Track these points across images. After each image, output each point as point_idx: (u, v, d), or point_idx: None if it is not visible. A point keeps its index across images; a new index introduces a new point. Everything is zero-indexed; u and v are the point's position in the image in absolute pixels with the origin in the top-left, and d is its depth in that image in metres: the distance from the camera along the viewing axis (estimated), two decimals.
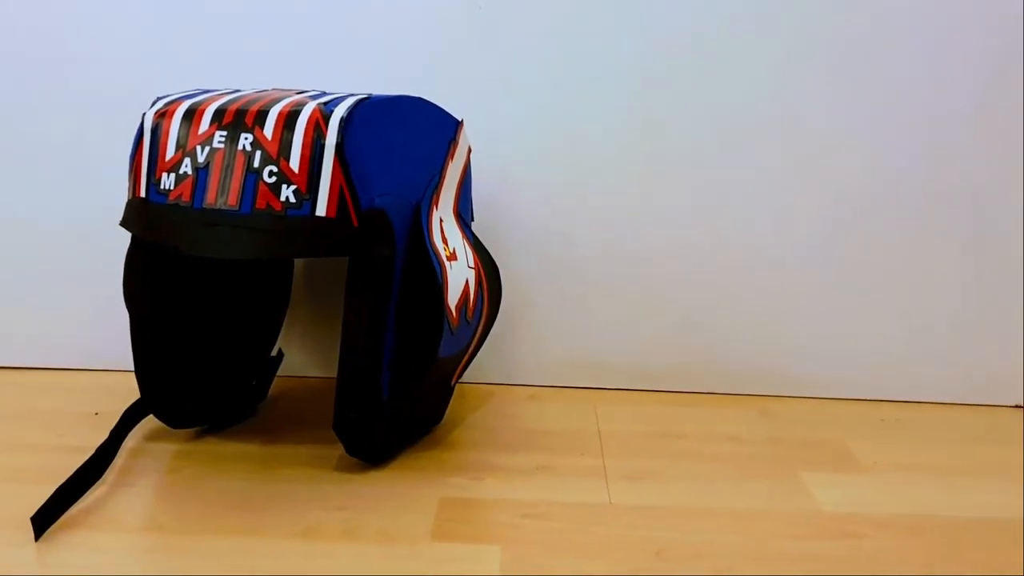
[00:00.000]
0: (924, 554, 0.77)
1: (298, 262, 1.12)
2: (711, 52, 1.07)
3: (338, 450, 0.91)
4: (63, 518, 0.78)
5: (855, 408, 1.11)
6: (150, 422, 0.94)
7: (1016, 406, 1.13)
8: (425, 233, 0.86)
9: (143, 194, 0.84)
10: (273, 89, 0.89)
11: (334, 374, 1.12)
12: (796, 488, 0.88)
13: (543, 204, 1.11)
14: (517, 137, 1.10)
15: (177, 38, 1.09)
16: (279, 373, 1.10)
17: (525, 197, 1.11)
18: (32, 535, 0.75)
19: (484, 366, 1.14)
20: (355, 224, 0.80)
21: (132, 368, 0.91)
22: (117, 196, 1.05)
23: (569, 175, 1.10)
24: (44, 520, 0.76)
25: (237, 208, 0.79)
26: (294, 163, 0.79)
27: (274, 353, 1.09)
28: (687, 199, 1.10)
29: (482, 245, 0.99)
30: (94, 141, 1.11)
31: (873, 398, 1.13)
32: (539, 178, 1.10)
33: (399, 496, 0.84)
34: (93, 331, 1.15)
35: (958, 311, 1.11)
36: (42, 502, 0.77)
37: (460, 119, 0.96)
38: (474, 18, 1.07)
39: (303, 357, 1.16)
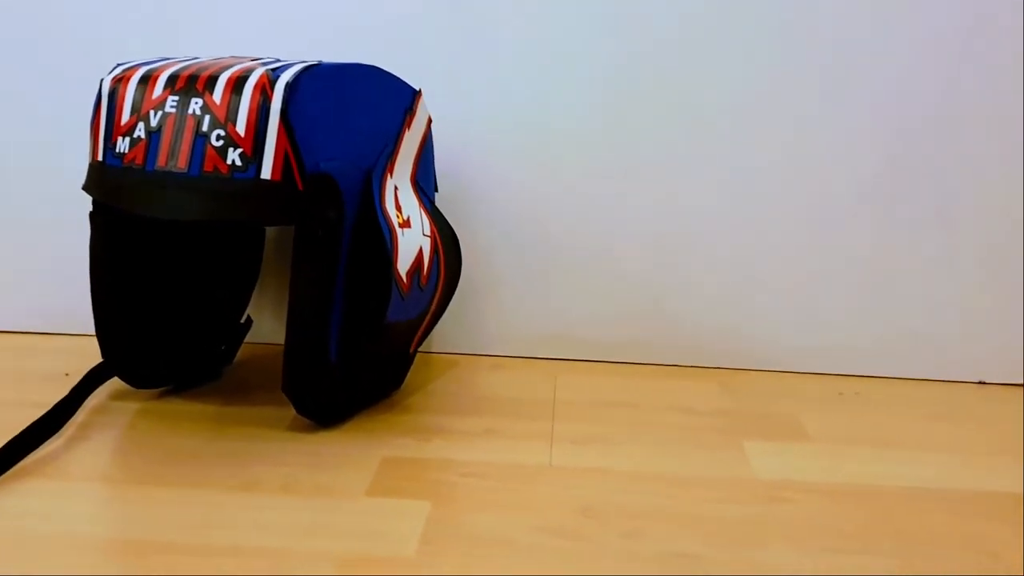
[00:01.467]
0: (846, 520, 0.77)
1: (269, 232, 1.15)
2: (689, 35, 1.07)
3: (292, 412, 0.93)
4: (15, 468, 0.81)
5: (816, 382, 1.12)
6: (120, 382, 0.97)
7: (979, 382, 1.13)
8: (376, 199, 0.88)
9: (100, 158, 0.87)
10: (229, 57, 0.91)
11: None
12: (736, 457, 0.89)
13: (511, 177, 1.12)
14: (485, 108, 1.11)
15: (147, 11, 1.12)
16: (248, 339, 1.12)
17: (493, 169, 1.12)
18: None
19: (450, 336, 1.16)
20: (300, 188, 0.82)
21: None
22: (87, 159, 1.07)
23: (538, 149, 1.12)
24: None
25: (186, 171, 0.82)
26: (240, 127, 0.81)
27: (243, 320, 1.11)
28: (654, 177, 1.11)
29: (441, 215, 1.01)
30: (59, 103, 1.14)
31: (835, 372, 1.14)
32: (507, 150, 1.12)
33: (343, 455, 0.86)
34: (71, 294, 1.18)
35: (922, 287, 1.11)
36: None
37: (418, 88, 0.98)
38: None
39: (273, 324, 1.18)
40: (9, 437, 0.83)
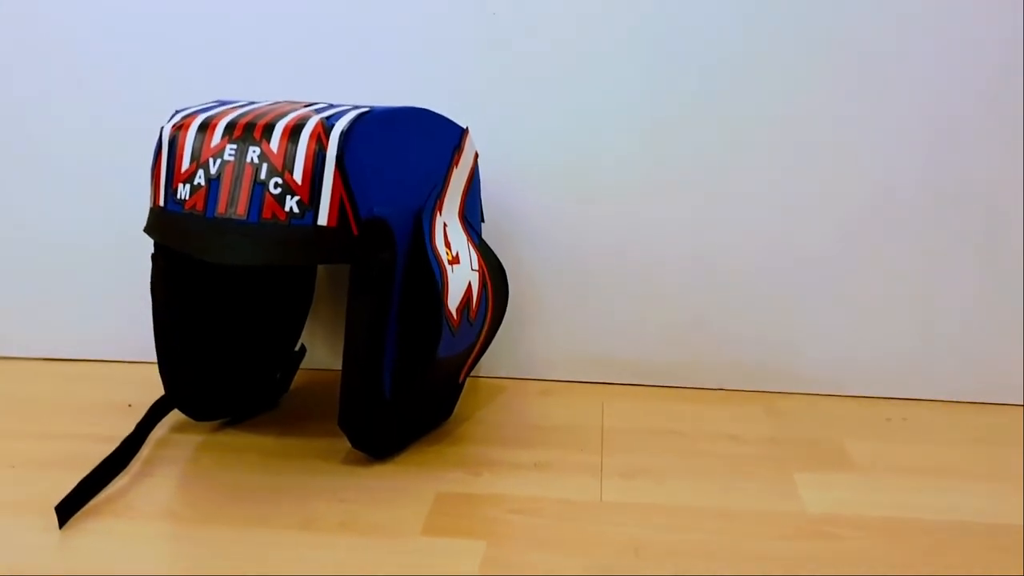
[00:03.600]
0: (898, 556, 0.79)
1: None
2: (722, 57, 1.08)
3: (348, 444, 0.96)
4: (87, 506, 0.85)
5: (861, 406, 1.12)
6: (179, 413, 1.01)
7: None
8: (426, 239, 0.90)
9: (162, 203, 0.90)
10: (285, 102, 0.94)
11: None
12: (786, 489, 0.90)
13: (554, 204, 1.14)
14: (528, 140, 1.13)
15: (197, 49, 1.15)
16: (303, 366, 1.15)
17: (536, 197, 1.14)
18: (56, 522, 0.81)
19: (497, 361, 1.18)
20: (355, 232, 0.85)
21: None
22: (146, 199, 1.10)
23: (579, 174, 1.13)
24: (68, 509, 0.83)
25: (245, 217, 0.84)
26: (297, 175, 0.84)
27: (297, 348, 1.14)
28: (696, 199, 1.12)
29: (488, 248, 1.03)
30: (132, 145, 1.17)
31: (880, 395, 1.15)
32: (550, 179, 1.13)
33: (398, 490, 0.89)
34: (132, 324, 1.22)
35: (967, 309, 1.11)
36: (67, 489, 0.84)
37: (465, 127, 1.00)
38: (486, 25, 1.10)
39: (326, 351, 1.21)
40: (77, 470, 0.86)
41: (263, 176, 0.85)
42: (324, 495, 0.88)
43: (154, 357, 0.96)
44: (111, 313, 1.23)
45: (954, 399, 1.14)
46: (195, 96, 1.11)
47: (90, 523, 0.82)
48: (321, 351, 1.21)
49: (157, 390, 0.99)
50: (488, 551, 0.78)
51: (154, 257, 0.95)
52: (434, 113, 0.95)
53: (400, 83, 1.13)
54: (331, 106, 0.91)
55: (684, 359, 1.16)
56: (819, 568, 0.77)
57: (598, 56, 1.10)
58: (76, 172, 1.20)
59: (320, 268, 1.18)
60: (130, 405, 1.08)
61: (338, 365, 1.21)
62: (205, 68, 1.15)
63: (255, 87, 1.14)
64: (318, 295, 1.17)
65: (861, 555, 0.79)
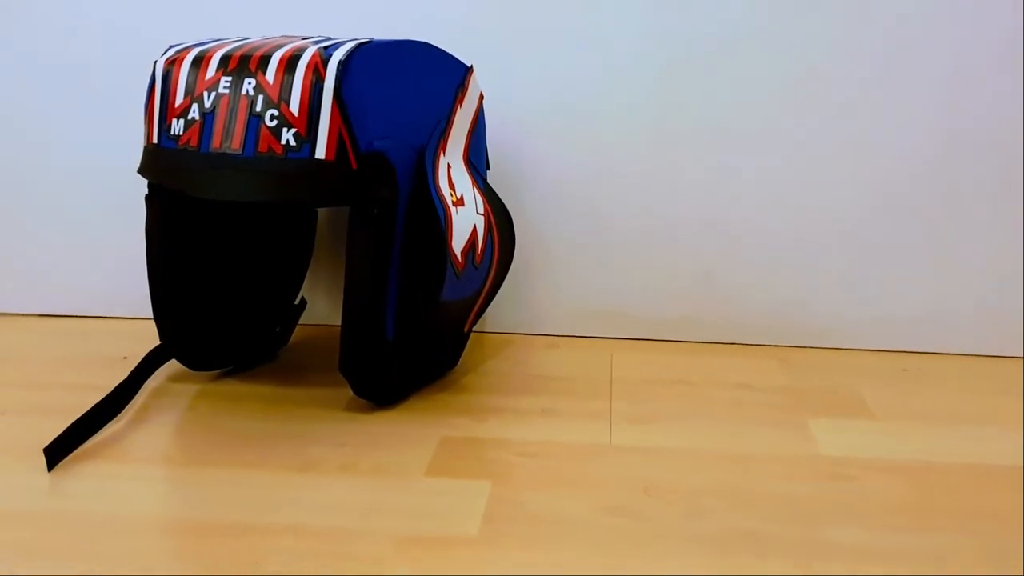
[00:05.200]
0: (913, 497, 0.76)
1: (322, 212, 1.15)
2: (745, 8, 1.06)
3: (350, 392, 0.93)
4: (78, 451, 0.82)
5: (879, 359, 1.09)
6: (177, 364, 0.98)
7: None
8: (429, 177, 0.87)
9: (155, 140, 0.87)
10: (280, 36, 0.91)
11: None
12: (800, 434, 0.88)
13: (563, 154, 1.11)
14: (537, 85, 1.10)
15: None
16: (303, 321, 1.12)
17: (545, 147, 1.11)
18: (46, 465, 0.79)
19: (503, 315, 1.15)
20: (354, 167, 0.82)
21: None
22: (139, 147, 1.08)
23: (590, 125, 1.10)
24: (57, 452, 0.80)
25: (240, 151, 0.81)
26: (294, 106, 0.81)
27: (297, 301, 1.12)
28: (709, 152, 1.09)
29: (494, 193, 1.00)
30: (118, 91, 1.15)
31: (898, 349, 1.11)
32: (559, 127, 1.10)
33: (400, 435, 0.86)
34: (126, 278, 1.19)
35: (987, 262, 1.08)
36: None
37: (469, 65, 0.97)
38: None
39: (326, 305, 1.19)
40: (70, 417, 0.84)
41: (259, 108, 0.82)
42: (324, 440, 0.85)
43: (150, 313, 0.93)
44: (105, 268, 1.20)
45: (972, 352, 1.11)
46: (187, 36, 1.08)
47: (82, 466, 0.80)
48: (321, 305, 1.18)
49: (153, 344, 0.96)
50: (494, 490, 0.76)
51: (148, 198, 0.92)
52: (436, 48, 0.92)
53: (399, 20, 1.10)
54: (329, 39, 0.88)
55: (695, 313, 1.13)
56: (835, 507, 0.74)
57: (615, 1, 1.07)
58: (65, 122, 1.17)
59: (321, 220, 1.15)
60: (125, 358, 1.06)
61: (338, 320, 1.18)
62: (198, 7, 1.12)
63: (249, 26, 1.11)
64: (318, 248, 1.14)
65: (876, 495, 0.76)
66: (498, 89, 1.08)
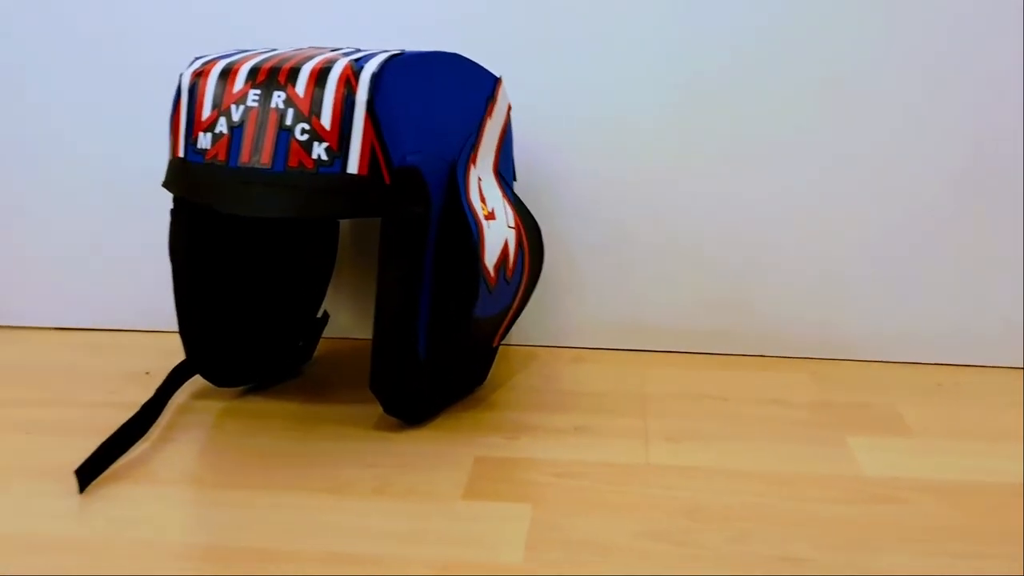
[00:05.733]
0: (962, 519, 0.74)
1: (344, 224, 1.13)
2: (769, 16, 1.03)
3: (377, 410, 0.92)
4: (106, 472, 0.80)
5: (911, 372, 1.07)
6: (199, 381, 0.96)
7: None
8: (461, 191, 0.85)
9: (181, 154, 0.85)
10: (308, 47, 0.89)
11: None
12: (840, 452, 0.86)
13: (589, 165, 1.09)
14: (563, 96, 1.08)
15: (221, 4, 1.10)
16: (325, 334, 1.11)
17: (570, 157, 1.09)
18: (76, 487, 0.77)
19: (528, 328, 1.14)
20: (387, 182, 0.80)
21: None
22: (166, 156, 1.06)
23: (616, 136, 1.08)
24: (88, 474, 0.78)
25: (270, 166, 0.80)
26: (325, 120, 0.79)
27: (320, 315, 1.10)
28: (735, 161, 1.07)
29: (524, 205, 0.98)
30: (152, 102, 1.13)
31: (930, 362, 1.10)
32: (585, 139, 1.09)
33: (433, 455, 0.84)
34: (149, 292, 1.17)
35: (1018, 274, 1.06)
36: (86, 455, 0.79)
37: (498, 76, 0.95)
38: None
39: (349, 318, 1.17)
40: (97, 438, 0.82)
41: (289, 122, 0.80)
42: (355, 460, 0.83)
43: (169, 327, 0.92)
44: (125, 282, 1.19)
45: (1005, 365, 1.09)
46: (210, 47, 1.07)
47: (111, 488, 0.78)
48: (343, 318, 1.17)
49: (175, 359, 0.95)
50: (534, 514, 0.74)
51: (174, 212, 0.91)
52: (467, 59, 0.91)
53: (427, 34, 1.08)
54: (358, 50, 0.86)
55: (723, 326, 1.12)
56: (885, 532, 0.72)
57: (638, 9, 1.05)
58: (88, 135, 1.15)
59: (343, 230, 1.13)
60: (147, 373, 1.04)
61: (361, 333, 1.17)
62: (222, 18, 1.11)
63: (273, 39, 1.09)
64: (340, 260, 1.13)
65: (924, 518, 0.74)
66: (524, 100, 1.07)
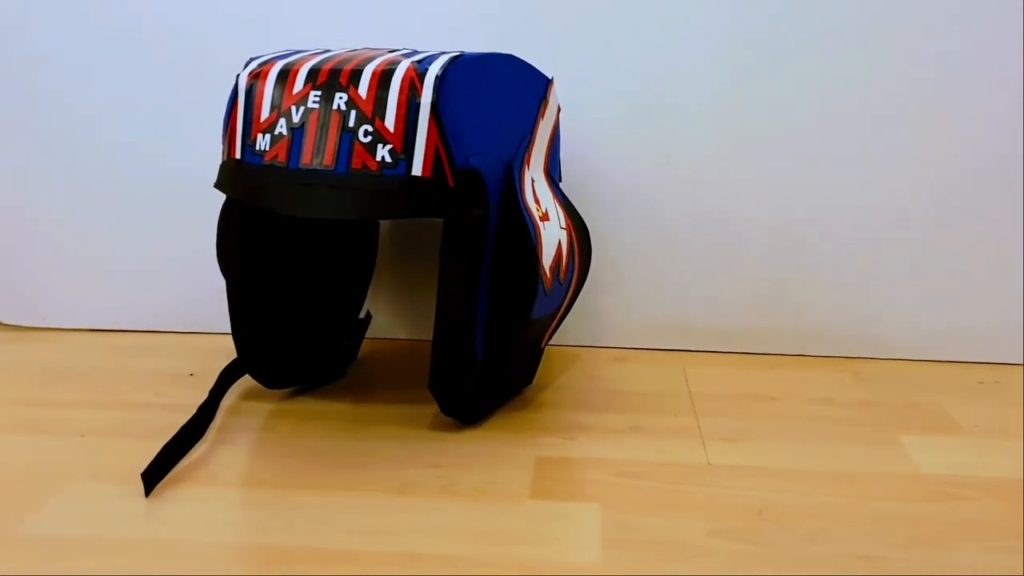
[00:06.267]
0: None
1: (383, 224, 1.13)
2: (808, 11, 1.04)
3: (430, 409, 0.92)
4: (170, 475, 0.80)
5: (950, 370, 1.08)
6: (244, 382, 0.96)
7: None
8: (518, 193, 0.86)
9: (238, 155, 0.85)
10: (364, 48, 0.89)
11: (421, 336, 1.15)
12: (896, 451, 0.86)
13: (631, 164, 1.10)
14: (606, 96, 1.08)
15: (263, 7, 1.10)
16: (366, 335, 1.10)
17: (613, 157, 1.10)
18: (142, 490, 0.77)
19: (569, 328, 1.14)
20: (450, 184, 0.80)
21: (221, 331, 0.92)
22: (207, 158, 1.06)
23: (658, 135, 1.09)
24: (153, 477, 0.78)
25: (333, 168, 0.80)
26: (389, 122, 0.79)
27: (362, 315, 1.10)
28: (778, 160, 1.08)
29: (572, 205, 0.98)
30: (189, 103, 1.13)
31: (969, 360, 1.10)
32: (627, 138, 1.09)
33: (493, 454, 0.84)
34: (183, 294, 1.17)
35: None
36: (147, 457, 0.79)
37: (550, 77, 0.95)
38: None
39: (389, 318, 1.17)
40: (151, 439, 0.82)
41: (351, 124, 0.80)
42: (416, 460, 0.83)
43: (205, 328, 0.91)
44: (163, 283, 1.18)
45: None
46: (252, 50, 1.06)
47: (176, 491, 0.78)
48: (384, 318, 1.17)
49: (216, 360, 0.95)
50: (604, 514, 0.74)
51: (225, 214, 0.90)
52: (521, 61, 0.91)
53: (476, 34, 1.08)
54: (415, 51, 0.87)
55: (764, 325, 1.12)
56: (954, 529, 0.72)
57: (681, 9, 1.05)
58: (130, 135, 1.15)
59: (382, 230, 1.13)
60: (192, 374, 1.04)
61: (401, 333, 1.17)
62: (272, 22, 1.10)
63: (320, 39, 1.09)
64: (379, 259, 1.12)
65: (988, 515, 0.75)
66: (565, 98, 1.07)
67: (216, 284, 0.93)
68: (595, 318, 1.14)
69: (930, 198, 1.07)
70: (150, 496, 0.76)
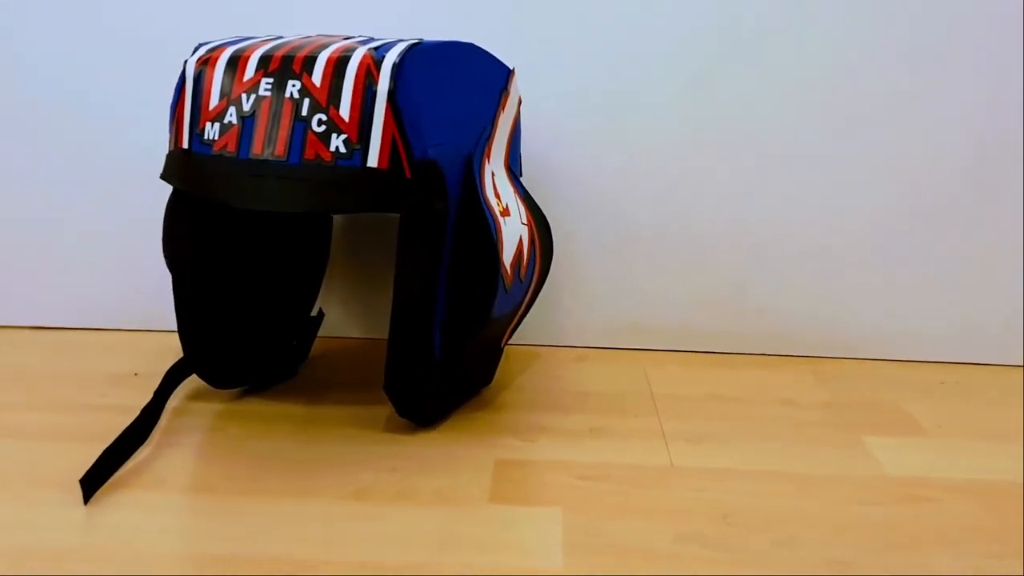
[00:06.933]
0: (994, 520, 0.73)
1: (337, 218, 1.10)
2: (776, 8, 1.02)
3: (385, 411, 0.89)
4: (112, 479, 0.76)
5: (911, 370, 1.08)
6: (191, 382, 0.92)
7: None
8: (478, 187, 0.83)
9: (186, 145, 0.81)
10: (319, 35, 0.86)
11: (375, 334, 1.12)
12: (860, 452, 0.85)
13: (592, 160, 1.07)
14: (567, 90, 1.06)
15: None
16: (319, 334, 1.07)
17: (574, 152, 1.07)
18: (81, 497, 0.73)
19: (529, 326, 1.11)
20: (408, 176, 0.77)
21: (167, 328, 0.89)
22: (152, 147, 1.02)
23: (620, 131, 1.07)
24: (93, 482, 0.74)
25: (285, 158, 0.76)
26: (344, 111, 0.76)
27: (314, 313, 1.06)
28: (741, 157, 1.06)
29: (533, 200, 0.95)
30: (127, 90, 1.08)
31: (929, 360, 1.10)
32: (589, 133, 1.07)
33: (452, 457, 0.82)
34: (129, 290, 1.13)
35: (1017, 273, 1.07)
36: (88, 462, 0.75)
37: (511, 67, 0.93)
38: None
39: (343, 316, 1.13)
40: (94, 443, 0.78)
41: (305, 112, 0.77)
42: (372, 465, 0.80)
43: (153, 326, 0.87)
44: (105, 279, 1.13)
45: (1005, 363, 1.10)
46: (201, 35, 1.03)
47: (118, 497, 0.74)
48: (337, 317, 1.13)
49: (162, 359, 0.91)
50: (566, 518, 0.72)
51: (172, 206, 0.86)
52: (481, 50, 0.88)
53: (431, 22, 1.05)
54: (372, 39, 0.83)
55: (726, 325, 1.11)
56: (923, 533, 0.71)
57: (643, 7, 1.03)
58: (68, 126, 1.10)
59: (336, 226, 1.10)
60: (136, 374, 0.99)
61: (354, 332, 1.14)
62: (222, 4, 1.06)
63: (274, 26, 1.05)
64: (333, 255, 1.09)
65: (957, 519, 0.74)
66: (526, 91, 1.04)
67: (163, 279, 0.89)
68: (556, 317, 1.12)
69: (892, 199, 1.07)
70: (89, 503, 0.72)
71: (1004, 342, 1.09)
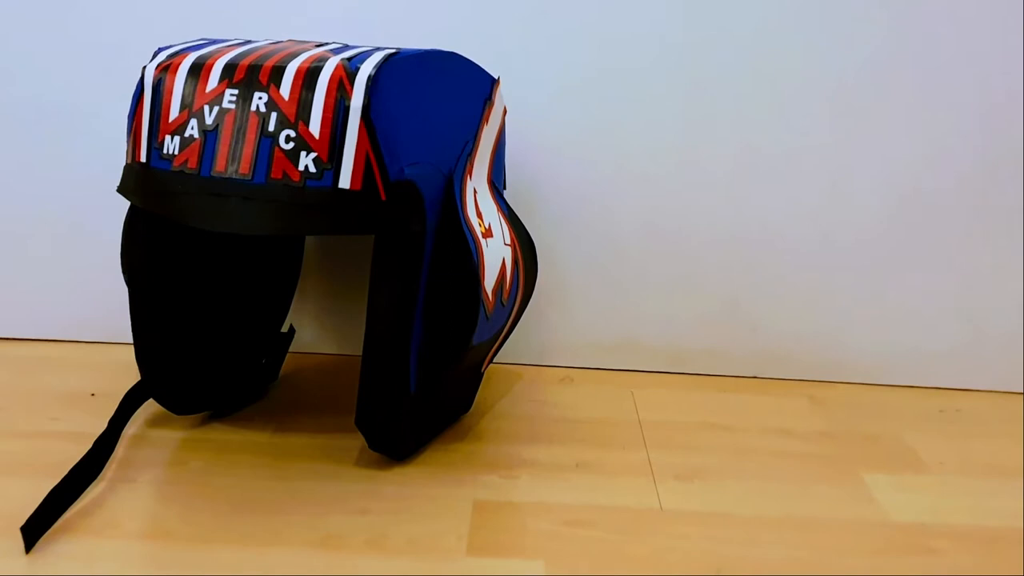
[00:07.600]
0: (1002, 568, 0.69)
1: None
2: (766, 22, 0.97)
3: (357, 441, 0.84)
4: (59, 522, 0.70)
5: (910, 396, 1.03)
6: (151, 405, 0.86)
7: None
8: (459, 208, 0.77)
9: (143, 159, 0.75)
10: (289, 41, 0.80)
11: (348, 351, 1.06)
12: (860, 493, 0.81)
13: (580, 175, 1.02)
14: (553, 101, 1.00)
15: None
16: (289, 350, 1.01)
17: (561, 166, 1.02)
18: (22, 545, 0.67)
19: (512, 346, 1.06)
20: (383, 198, 0.71)
21: (128, 341, 0.82)
22: (113, 156, 0.96)
23: (608, 145, 1.01)
24: (35, 529, 0.68)
25: (250, 177, 0.70)
26: (314, 127, 0.70)
27: (285, 329, 1.01)
28: (732, 175, 1.01)
29: (517, 217, 0.90)
30: (87, 96, 1.01)
31: (928, 385, 1.05)
32: (576, 147, 1.01)
33: (427, 498, 0.76)
34: (89, 300, 1.06)
35: (1016, 297, 1.03)
36: (32, 501, 0.69)
37: (496, 76, 0.87)
38: None
39: (315, 332, 1.08)
40: (42, 477, 0.73)
41: (272, 128, 0.71)
42: (342, 506, 0.75)
43: (114, 338, 0.82)
44: (65, 288, 1.07)
45: (1005, 389, 1.05)
46: (168, 36, 0.96)
47: (63, 544, 0.68)
48: (309, 332, 1.07)
49: (123, 376, 0.86)
50: (549, 571, 0.67)
51: (129, 222, 0.80)
52: (464, 59, 0.82)
53: (414, 29, 0.99)
54: (346, 46, 0.78)
55: (717, 346, 1.06)
56: None
57: (630, 9, 0.97)
58: (23, 131, 1.03)
59: (307, 239, 1.04)
60: (93, 394, 0.93)
61: (327, 348, 1.08)
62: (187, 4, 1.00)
63: (245, 28, 0.99)
64: (304, 269, 1.03)
65: (963, 571, 0.69)
66: (511, 101, 0.99)
67: (123, 289, 0.83)
68: (540, 335, 1.06)
69: (890, 216, 1.02)
70: (31, 552, 0.67)
71: (1003, 369, 1.04)
